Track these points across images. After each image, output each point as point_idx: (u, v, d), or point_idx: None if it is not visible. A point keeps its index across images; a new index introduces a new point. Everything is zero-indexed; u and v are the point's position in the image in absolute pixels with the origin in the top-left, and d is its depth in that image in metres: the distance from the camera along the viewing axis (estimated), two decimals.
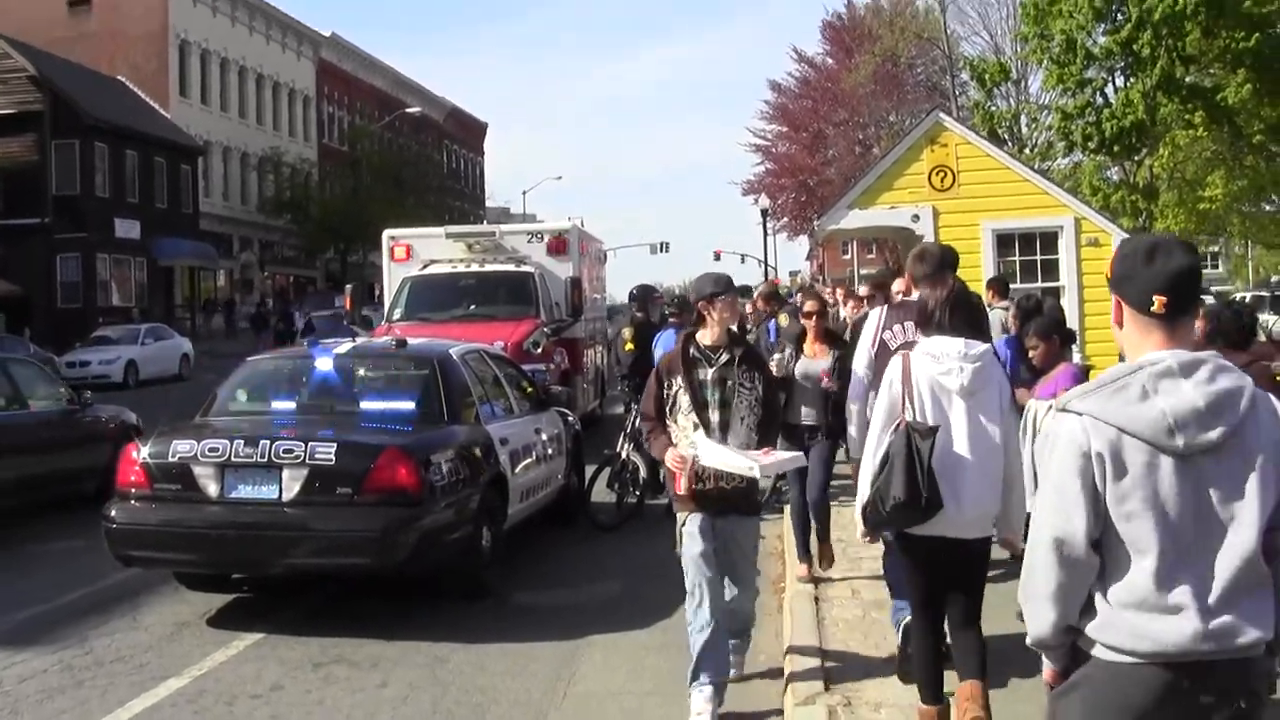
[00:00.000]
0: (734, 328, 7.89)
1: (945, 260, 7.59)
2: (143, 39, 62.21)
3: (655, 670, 8.45)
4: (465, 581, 10.36)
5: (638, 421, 12.23)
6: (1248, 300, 34.32)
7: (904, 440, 6.19)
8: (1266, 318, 32.66)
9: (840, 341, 10.95)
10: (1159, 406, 3.27)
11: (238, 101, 69.97)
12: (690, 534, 7.46)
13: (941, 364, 6.30)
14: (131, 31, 62.07)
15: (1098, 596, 3.33)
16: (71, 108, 51.49)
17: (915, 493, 6.09)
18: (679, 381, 7.51)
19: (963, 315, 6.55)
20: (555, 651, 9.06)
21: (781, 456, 7.75)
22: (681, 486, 7.41)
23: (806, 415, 10.57)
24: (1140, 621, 3.25)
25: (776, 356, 10.68)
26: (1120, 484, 3.26)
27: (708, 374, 7.49)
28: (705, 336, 7.62)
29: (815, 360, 10.63)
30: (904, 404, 6.33)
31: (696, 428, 7.38)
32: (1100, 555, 3.32)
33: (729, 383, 7.45)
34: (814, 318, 10.84)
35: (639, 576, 10.98)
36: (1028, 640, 3.51)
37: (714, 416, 7.43)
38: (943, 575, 6.40)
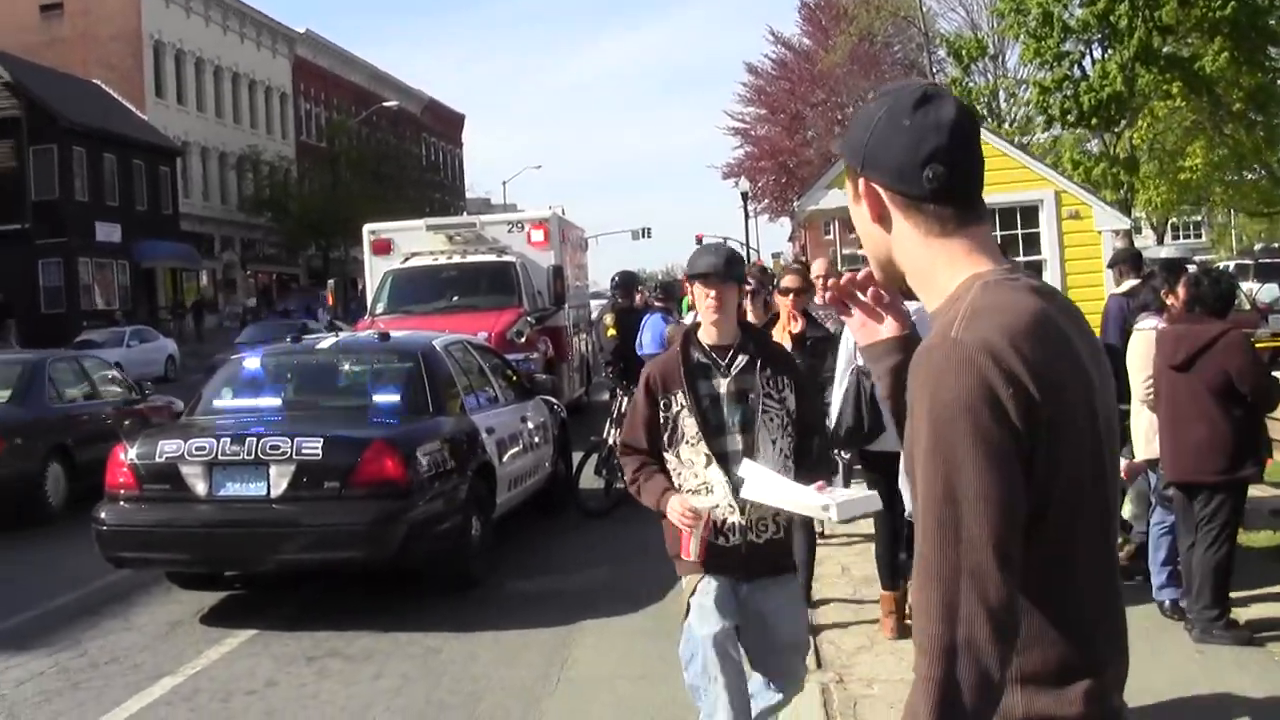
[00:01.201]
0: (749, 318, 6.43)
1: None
2: (116, 41, 61.99)
3: (646, 654, 8.46)
4: (455, 571, 10.37)
5: (624, 405, 12.15)
6: (1231, 269, 34.35)
7: (854, 381, 7.84)
8: (1251, 285, 32.69)
9: (817, 328, 9.09)
10: None
11: (214, 101, 69.79)
12: (703, 607, 5.45)
13: None
14: (105, 34, 61.84)
15: None
16: (48, 113, 51.30)
17: (859, 421, 7.80)
18: (681, 400, 5.54)
19: None
20: (547, 638, 9.09)
21: (851, 494, 5.48)
22: (692, 550, 5.34)
23: None
24: None
25: None
26: None
27: (720, 386, 5.56)
28: (709, 333, 5.65)
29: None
30: (856, 354, 7.60)
31: (711, 461, 5.47)
32: None
33: (751, 396, 5.54)
34: (792, 295, 8.94)
35: (628, 562, 10.99)
36: None
37: (734, 444, 5.50)
38: (895, 483, 7.40)
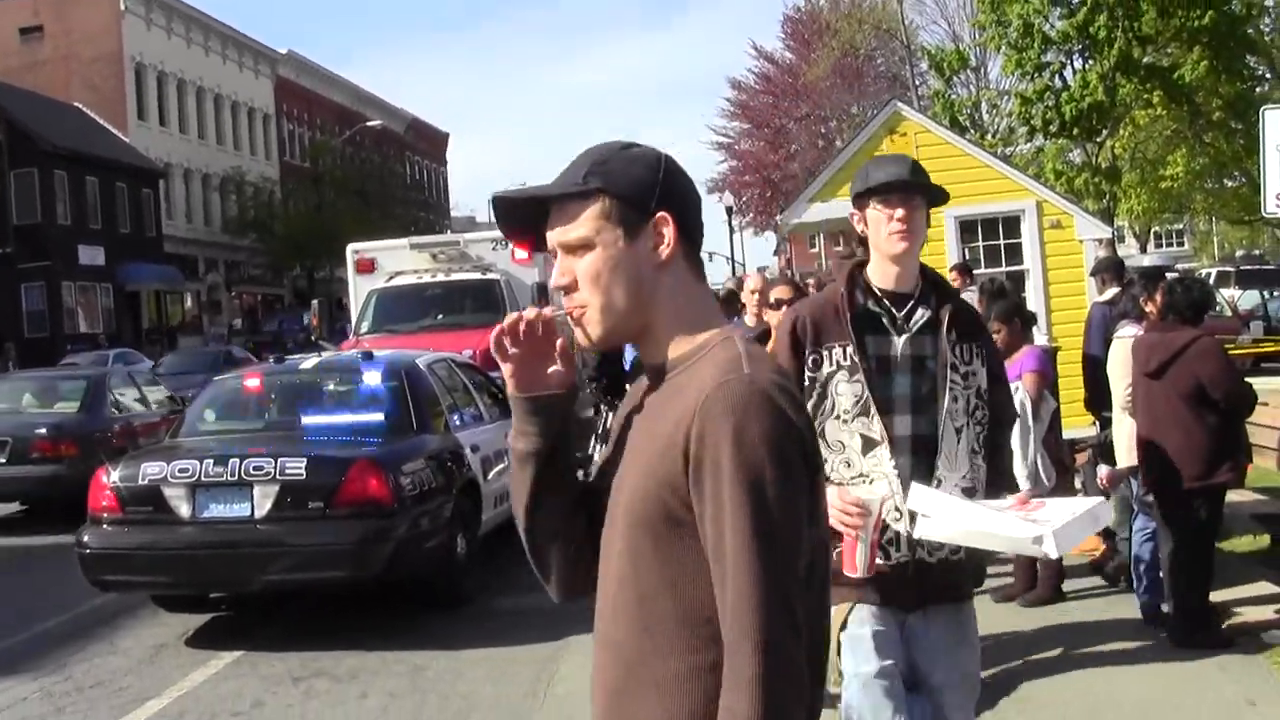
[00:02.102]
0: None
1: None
2: (98, 64, 61.85)
3: None
4: (442, 589, 10.36)
5: (609, 421, 12.13)
6: (1213, 276, 34.49)
7: None
8: (1232, 292, 32.84)
9: None
10: None
11: (196, 123, 69.67)
12: (857, 640, 4.19)
13: None
14: (86, 56, 61.71)
15: None
16: (28, 136, 51.21)
17: None
18: (840, 357, 4.18)
19: None
20: (534, 655, 9.06)
21: (1067, 510, 4.06)
22: (859, 561, 3.96)
23: None
24: None
25: None
26: None
27: (894, 345, 4.21)
28: (886, 272, 4.28)
29: None
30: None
31: (872, 447, 4.14)
32: None
33: (931, 363, 4.21)
34: (785, 308, 7.72)
35: None
36: None
37: (905, 426, 4.18)
38: None
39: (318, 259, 66.20)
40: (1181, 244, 78.23)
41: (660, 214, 2.38)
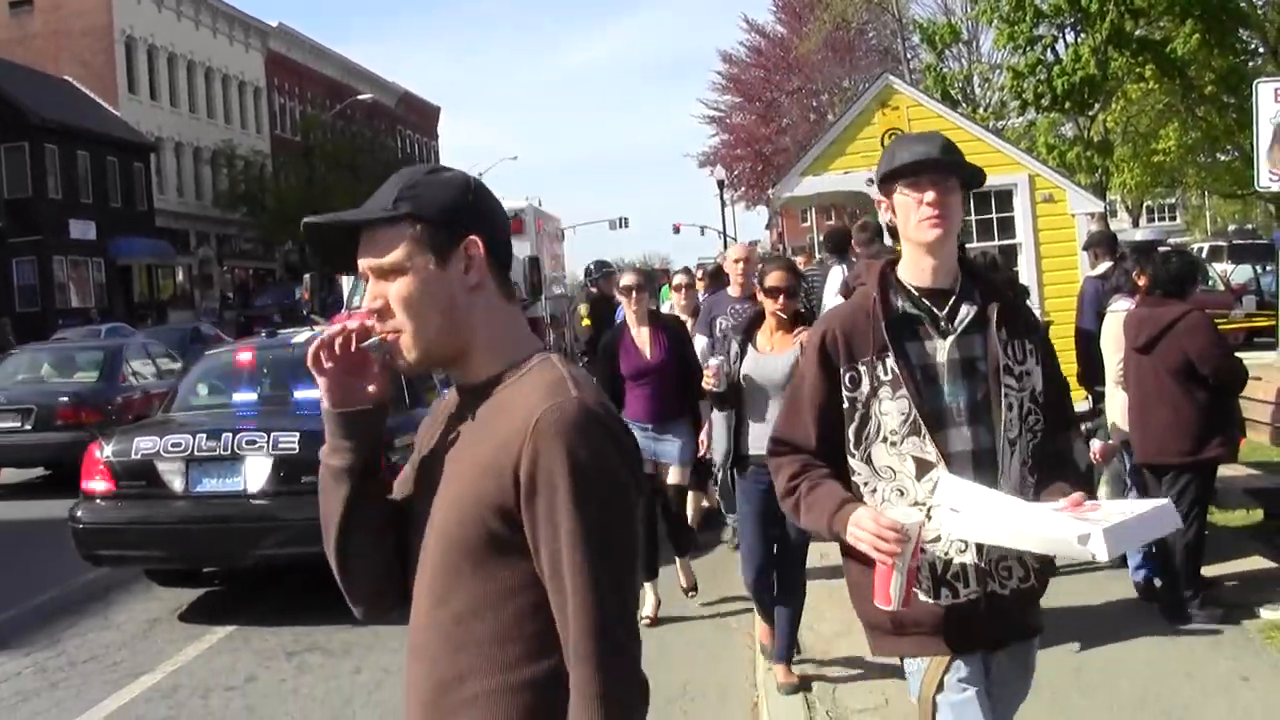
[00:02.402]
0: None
1: (878, 230, 7.77)
2: (87, 37, 61.57)
3: None
4: None
5: None
6: (1205, 251, 34.51)
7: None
8: (1225, 267, 32.86)
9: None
10: None
11: (187, 96, 69.40)
12: (964, 708, 3.69)
13: None
14: (76, 30, 61.42)
15: None
16: (18, 110, 50.99)
17: None
18: (881, 372, 3.68)
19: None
20: None
21: (1124, 510, 3.47)
22: (893, 591, 3.48)
23: (761, 443, 6.17)
24: None
25: (714, 361, 7.39)
26: None
27: (938, 350, 3.71)
28: (920, 267, 3.75)
29: (775, 356, 7.17)
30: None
31: (927, 470, 3.65)
32: None
33: (982, 365, 3.70)
34: (780, 296, 7.16)
35: None
36: None
37: (962, 442, 3.67)
38: None
39: None
40: (1174, 218, 78.18)
41: (470, 237, 2.39)
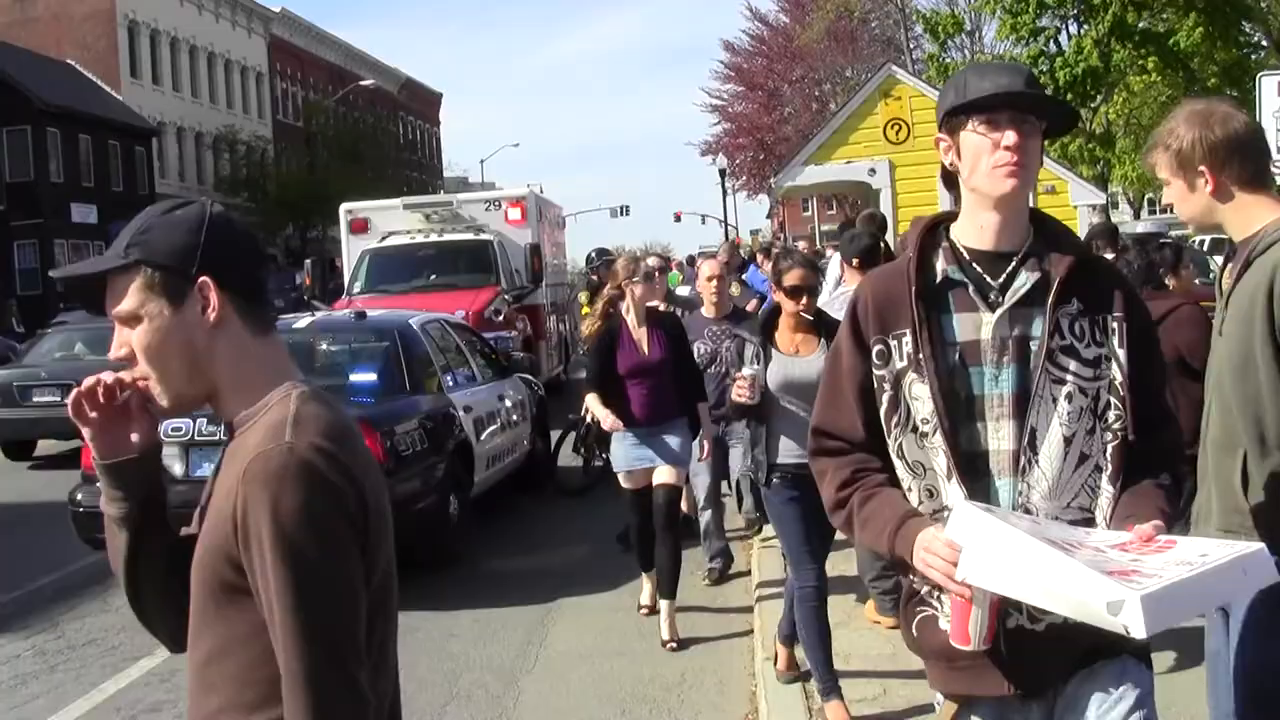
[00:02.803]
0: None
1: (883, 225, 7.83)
2: (90, 21, 61.52)
3: (623, 631, 8.50)
4: (434, 550, 10.37)
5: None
6: (1205, 243, 34.49)
7: None
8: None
9: (833, 327, 6.29)
10: None
11: (189, 81, 69.34)
12: None
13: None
14: (78, 14, 61.36)
15: None
16: (21, 93, 50.93)
17: None
18: (909, 346, 3.07)
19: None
20: (525, 616, 9.12)
21: (1203, 554, 2.69)
22: (973, 630, 2.91)
23: (792, 452, 6.47)
24: None
25: (747, 370, 6.63)
26: None
27: (983, 324, 3.05)
28: (980, 225, 3.09)
29: (802, 359, 6.68)
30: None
31: (956, 470, 3.02)
32: None
33: (1034, 345, 3.02)
34: (801, 296, 6.66)
35: (606, 540, 11.01)
36: None
37: (1002, 439, 3.03)
38: None
39: (310, 219, 66.12)
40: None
41: (201, 279, 2.33)
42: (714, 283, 9.70)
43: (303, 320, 12.23)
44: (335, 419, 2.31)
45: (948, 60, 37.80)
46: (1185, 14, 31.26)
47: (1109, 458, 3.01)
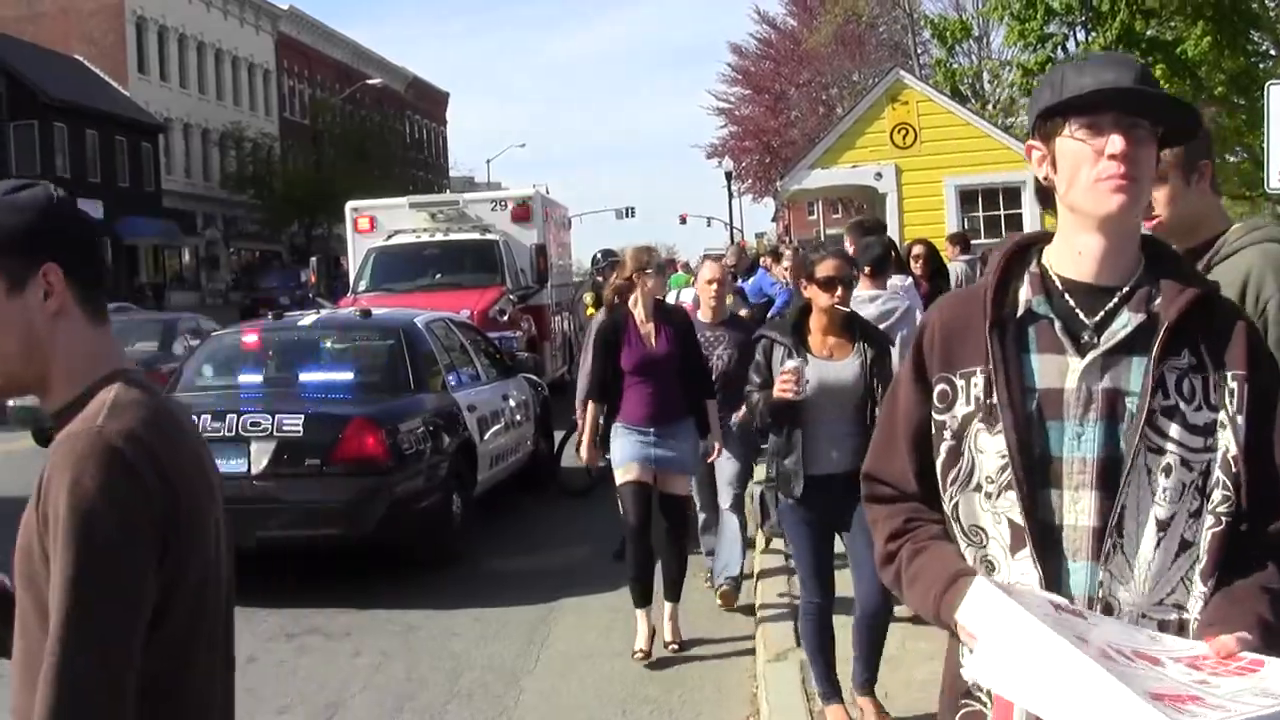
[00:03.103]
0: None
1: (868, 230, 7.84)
2: (98, 16, 61.61)
3: (626, 632, 8.47)
4: (436, 549, 10.38)
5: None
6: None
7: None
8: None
9: (868, 329, 6.56)
10: None
11: (197, 77, 69.47)
12: None
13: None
14: (86, 9, 61.47)
15: None
16: (28, 88, 51.08)
17: None
18: (982, 385, 2.50)
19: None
20: (527, 616, 9.11)
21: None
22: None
23: (832, 461, 6.22)
24: None
25: (791, 363, 6.13)
26: None
27: (1068, 371, 2.45)
28: (1080, 250, 2.49)
29: (838, 363, 6.32)
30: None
31: (1025, 543, 2.43)
32: None
33: (1130, 403, 2.42)
34: (836, 288, 6.25)
35: (608, 540, 10.99)
36: None
37: (1080, 513, 2.42)
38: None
39: (316, 216, 66.20)
40: None
41: (47, 265, 2.26)
42: (714, 286, 9.24)
43: (308, 318, 12.24)
44: (158, 409, 2.26)
45: (955, 66, 37.84)
46: (1193, 22, 31.26)
47: (1206, 548, 2.41)
